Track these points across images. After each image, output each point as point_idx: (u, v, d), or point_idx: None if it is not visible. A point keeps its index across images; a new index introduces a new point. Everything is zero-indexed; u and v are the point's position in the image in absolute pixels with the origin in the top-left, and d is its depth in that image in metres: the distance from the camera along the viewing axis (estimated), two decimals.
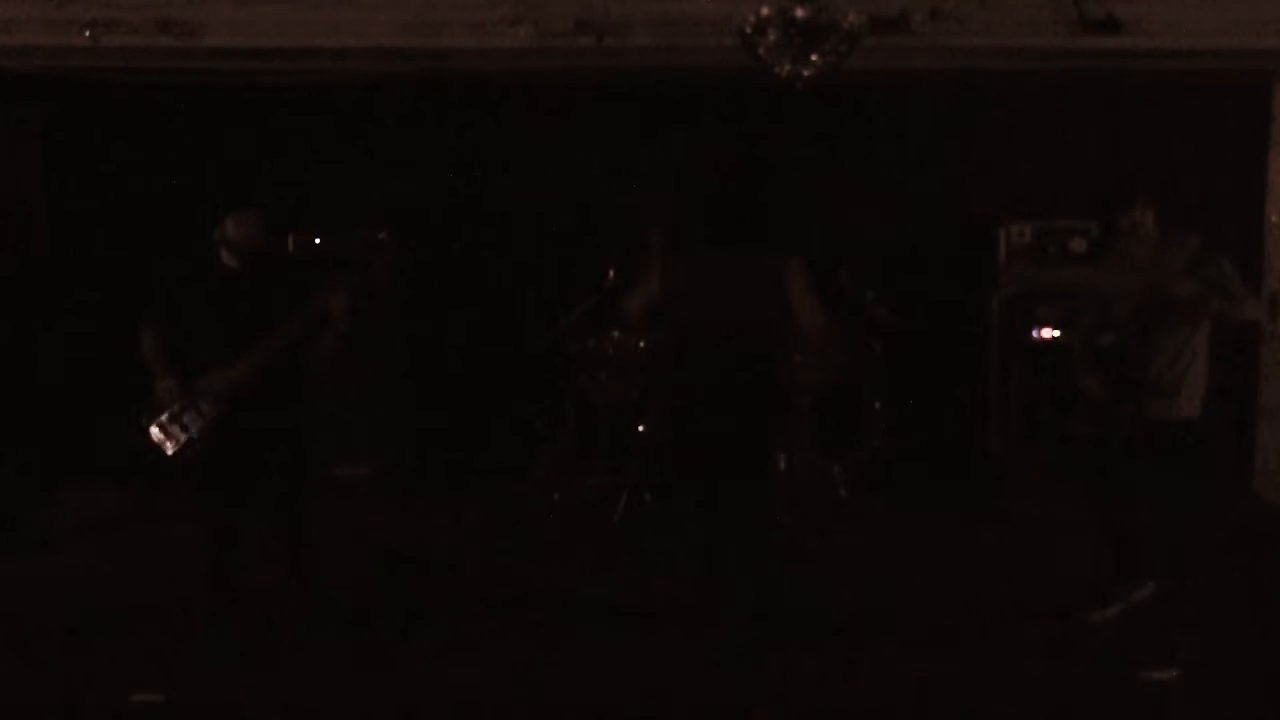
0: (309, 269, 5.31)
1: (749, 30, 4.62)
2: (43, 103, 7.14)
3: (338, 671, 4.75)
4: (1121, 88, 7.04)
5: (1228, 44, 6.10)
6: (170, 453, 4.92)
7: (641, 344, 6.56)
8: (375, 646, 4.97)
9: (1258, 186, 7.17)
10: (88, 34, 5.92)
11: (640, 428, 6.66)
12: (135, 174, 7.32)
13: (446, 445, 7.44)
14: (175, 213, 7.24)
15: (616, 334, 6.60)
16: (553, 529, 6.55)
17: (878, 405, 7.13)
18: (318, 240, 6.84)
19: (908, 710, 4.48)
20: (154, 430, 4.93)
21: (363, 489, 7.04)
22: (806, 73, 4.66)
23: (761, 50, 4.64)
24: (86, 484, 6.96)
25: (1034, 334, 6.85)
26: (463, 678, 4.72)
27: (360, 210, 7.16)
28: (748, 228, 5.05)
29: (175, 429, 4.91)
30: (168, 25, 6.01)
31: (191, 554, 5.22)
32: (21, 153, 7.17)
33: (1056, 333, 6.75)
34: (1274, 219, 7.13)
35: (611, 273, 6.74)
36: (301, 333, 4.95)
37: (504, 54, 6.19)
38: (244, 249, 4.96)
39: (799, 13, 4.53)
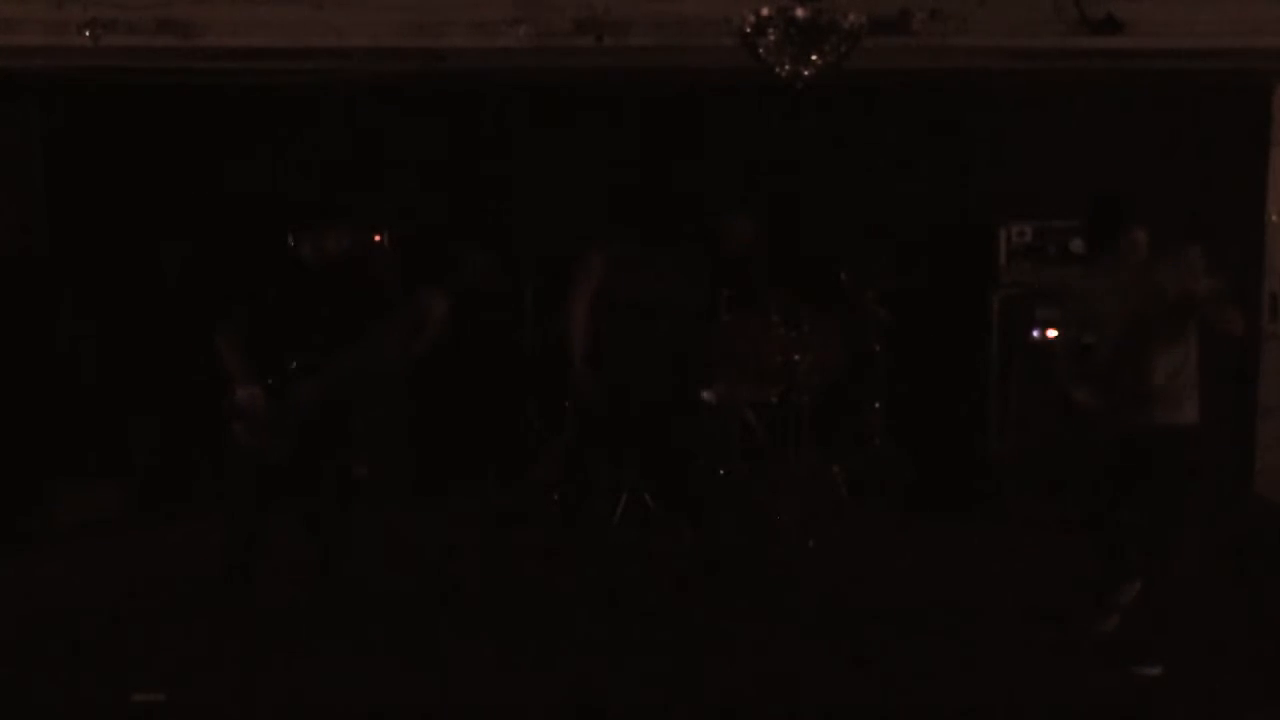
0: (395, 276, 5.26)
1: (749, 30, 4.63)
2: (43, 103, 7.14)
3: (337, 672, 4.75)
4: (1121, 88, 7.04)
5: (1228, 44, 6.10)
6: (250, 448, 4.84)
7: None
8: (374, 647, 4.96)
9: (1258, 186, 7.17)
10: (88, 34, 5.92)
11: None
12: (135, 174, 7.31)
13: (446, 445, 7.44)
14: (175, 213, 7.25)
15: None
16: (552, 529, 6.54)
17: (877, 405, 7.13)
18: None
19: (907, 710, 4.48)
20: (241, 431, 4.82)
21: (363, 489, 7.03)
22: (806, 73, 4.66)
23: (761, 50, 4.65)
24: (86, 484, 6.95)
25: (1034, 334, 6.85)
26: (463, 677, 4.72)
27: (359, 211, 7.16)
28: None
29: (258, 433, 4.84)
30: (168, 25, 6.01)
31: (190, 554, 5.22)
32: (21, 152, 7.17)
33: (1056, 333, 6.75)
34: (1274, 219, 7.13)
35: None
36: (397, 338, 4.92)
37: (504, 54, 6.19)
38: (333, 259, 4.91)
39: (799, 13, 4.53)
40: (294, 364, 4.84)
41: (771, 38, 4.58)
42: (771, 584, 5.73)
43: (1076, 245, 6.80)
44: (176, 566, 5.77)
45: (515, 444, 7.31)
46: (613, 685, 4.64)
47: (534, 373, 7.30)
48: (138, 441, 7.15)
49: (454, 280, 5.04)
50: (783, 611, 5.37)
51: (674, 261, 5.52)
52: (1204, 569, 5.61)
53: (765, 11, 4.57)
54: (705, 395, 6.20)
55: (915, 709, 4.49)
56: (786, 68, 4.65)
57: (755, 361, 6.51)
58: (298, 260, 4.94)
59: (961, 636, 5.06)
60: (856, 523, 6.55)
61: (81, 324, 7.23)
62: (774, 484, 6.56)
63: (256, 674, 4.70)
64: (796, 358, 6.55)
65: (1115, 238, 4.88)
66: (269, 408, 4.80)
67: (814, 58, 4.61)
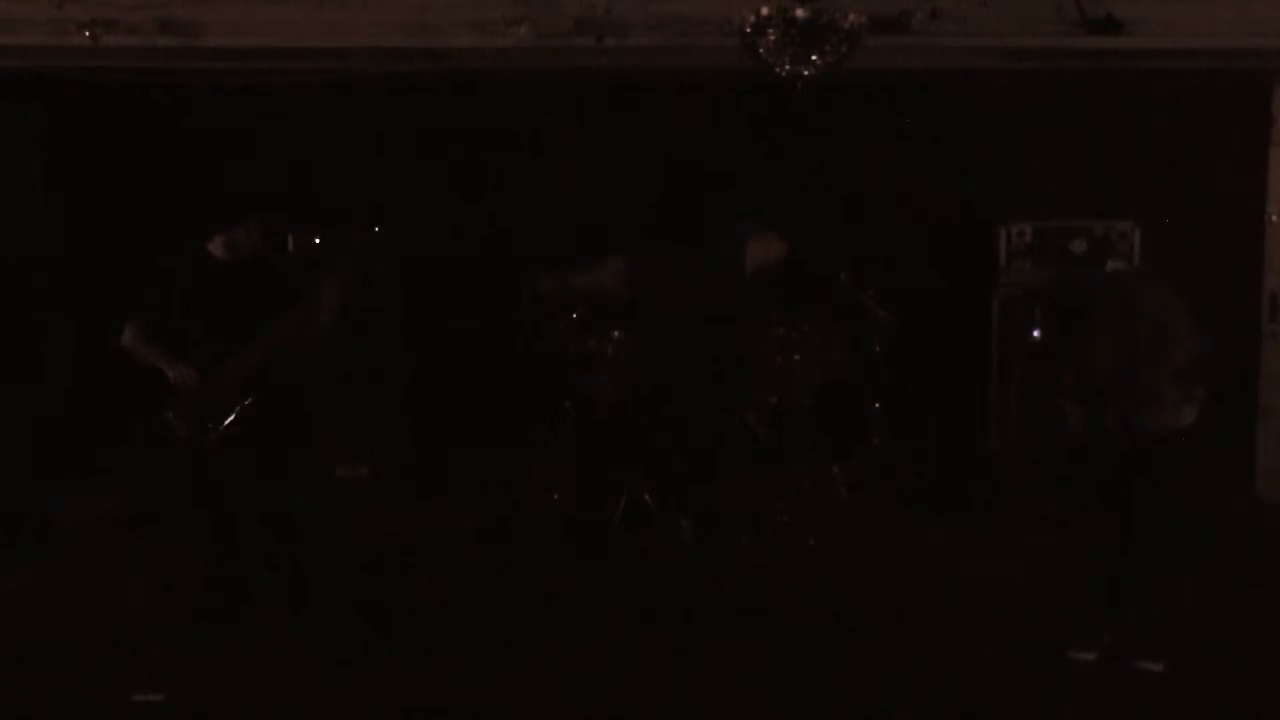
0: (302, 267, 5.32)
1: (749, 30, 4.63)
2: (43, 103, 7.14)
3: (337, 672, 4.75)
4: (1121, 88, 7.04)
5: (1228, 44, 6.10)
6: (186, 437, 4.88)
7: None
8: (374, 647, 4.97)
9: (1258, 186, 7.17)
10: (88, 34, 5.92)
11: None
12: (135, 174, 7.31)
13: (446, 445, 7.44)
14: (175, 212, 7.23)
15: (617, 334, 6.60)
16: (551, 529, 6.54)
17: (878, 405, 7.13)
18: (317, 240, 6.86)
19: (908, 710, 4.49)
20: (173, 421, 4.87)
21: (363, 489, 7.04)
22: (806, 73, 4.66)
23: (761, 50, 4.65)
24: (86, 484, 6.95)
25: (1034, 334, 6.85)
26: (462, 678, 4.72)
27: (358, 210, 7.17)
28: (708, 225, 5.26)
29: (195, 417, 4.86)
30: (168, 25, 6.02)
31: (192, 554, 5.22)
32: (21, 153, 7.16)
33: (1039, 334, 6.76)
34: (1274, 219, 7.14)
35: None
36: (298, 326, 4.98)
37: (504, 54, 6.19)
38: (245, 254, 5.00)
39: (799, 13, 4.53)
40: (197, 355, 4.88)
41: (771, 38, 4.58)
42: (771, 584, 5.72)
43: (1077, 245, 6.80)
44: (176, 566, 5.76)
45: (516, 444, 7.31)
46: (611, 687, 4.64)
47: (535, 373, 7.29)
48: (136, 441, 7.14)
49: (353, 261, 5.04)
50: (782, 612, 5.36)
51: (703, 269, 5.41)
52: (1204, 569, 5.61)
53: (765, 11, 4.57)
54: None
55: (915, 709, 4.49)
56: (786, 68, 4.65)
57: (755, 362, 6.51)
58: (208, 254, 4.99)
59: (961, 636, 5.06)
60: (856, 523, 6.55)
61: (81, 323, 7.22)
62: (774, 484, 6.56)
63: (256, 674, 4.71)
64: (796, 358, 6.55)
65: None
66: (202, 386, 4.83)
67: (814, 58, 4.61)
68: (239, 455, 4.97)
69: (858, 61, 4.80)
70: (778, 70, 4.68)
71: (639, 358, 5.47)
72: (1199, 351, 4.63)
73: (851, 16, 4.59)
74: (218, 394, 4.87)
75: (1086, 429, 4.82)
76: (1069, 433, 4.96)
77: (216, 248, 4.99)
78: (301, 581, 5.19)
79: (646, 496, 6.43)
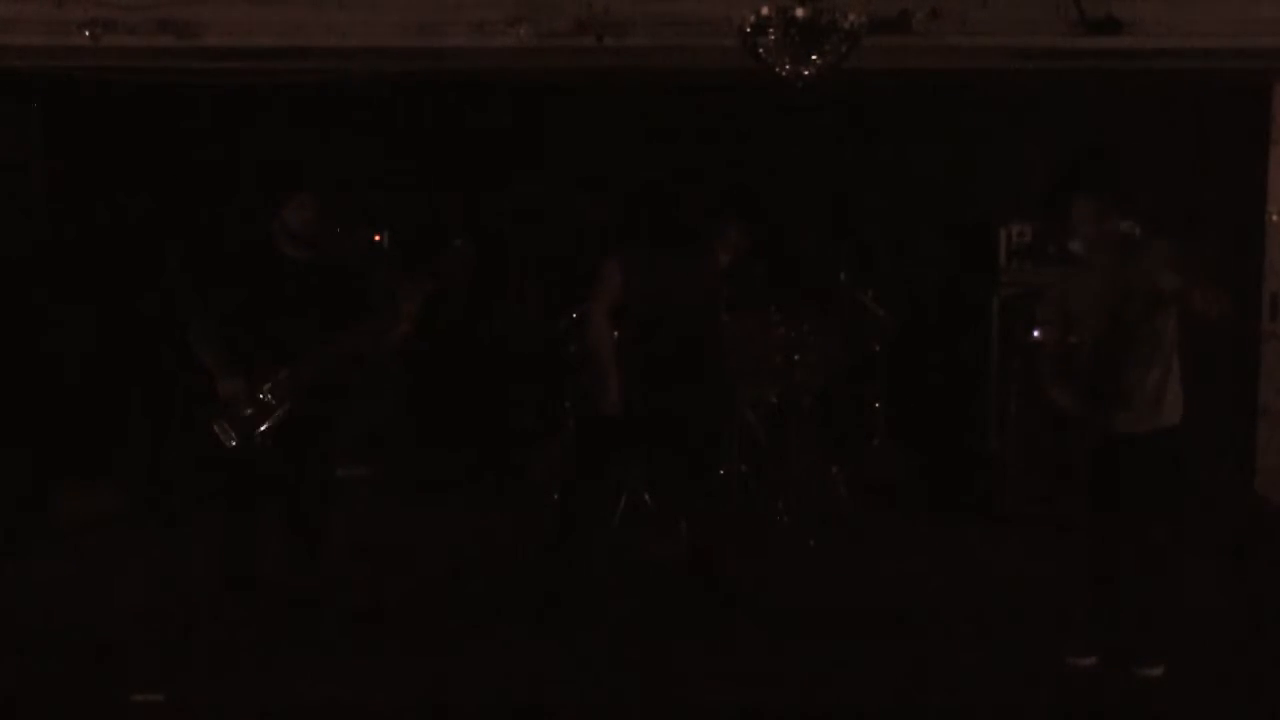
0: (377, 268, 5.24)
1: (749, 30, 4.62)
2: (43, 103, 7.14)
3: (338, 672, 4.75)
4: (1121, 88, 7.04)
5: (1228, 44, 6.10)
6: (233, 445, 4.79)
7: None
8: (375, 647, 4.97)
9: (1258, 186, 7.17)
10: (88, 34, 5.92)
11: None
12: (135, 174, 7.32)
13: (446, 445, 7.44)
14: (175, 212, 7.25)
15: (616, 333, 6.59)
16: (552, 529, 6.54)
17: (877, 405, 7.13)
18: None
19: (907, 710, 4.49)
20: (221, 429, 4.79)
21: (363, 489, 7.04)
22: (806, 73, 4.65)
23: (761, 50, 4.64)
24: (86, 484, 6.95)
25: (1034, 334, 6.83)
26: (463, 678, 4.73)
27: (355, 210, 7.17)
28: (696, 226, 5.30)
29: (243, 426, 4.79)
30: (168, 25, 6.02)
31: (190, 554, 5.22)
32: (21, 152, 7.17)
33: (1039, 333, 6.74)
34: (1274, 219, 7.14)
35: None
36: (371, 338, 4.89)
37: (504, 54, 6.19)
38: (304, 236, 4.86)
39: (799, 13, 4.52)
40: (269, 356, 4.79)
41: (771, 38, 4.58)
42: (771, 584, 5.72)
43: (1075, 245, 6.78)
44: (176, 566, 5.77)
45: (515, 444, 7.32)
46: (611, 686, 4.64)
47: (534, 372, 7.30)
48: (137, 441, 7.15)
49: (435, 267, 4.96)
50: (782, 612, 5.36)
51: (685, 265, 5.47)
52: (1204, 569, 5.61)
53: (765, 11, 4.57)
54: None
55: (915, 709, 4.49)
56: (786, 68, 4.65)
57: (755, 361, 6.51)
58: (275, 252, 4.90)
59: (961, 636, 5.06)
60: (856, 522, 6.55)
61: (81, 324, 7.23)
62: (774, 484, 6.56)
63: (256, 674, 4.71)
64: (796, 358, 6.55)
65: (1075, 224, 4.81)
66: (251, 402, 4.78)
67: (814, 58, 4.61)
68: (278, 457, 4.88)
69: (858, 61, 4.80)
70: (778, 70, 4.68)
71: (628, 356, 5.50)
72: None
73: (851, 16, 4.59)
74: (270, 403, 4.79)
75: (1080, 420, 4.82)
76: (1069, 432, 4.96)
77: (280, 242, 4.86)
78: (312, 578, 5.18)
79: (646, 496, 6.43)
